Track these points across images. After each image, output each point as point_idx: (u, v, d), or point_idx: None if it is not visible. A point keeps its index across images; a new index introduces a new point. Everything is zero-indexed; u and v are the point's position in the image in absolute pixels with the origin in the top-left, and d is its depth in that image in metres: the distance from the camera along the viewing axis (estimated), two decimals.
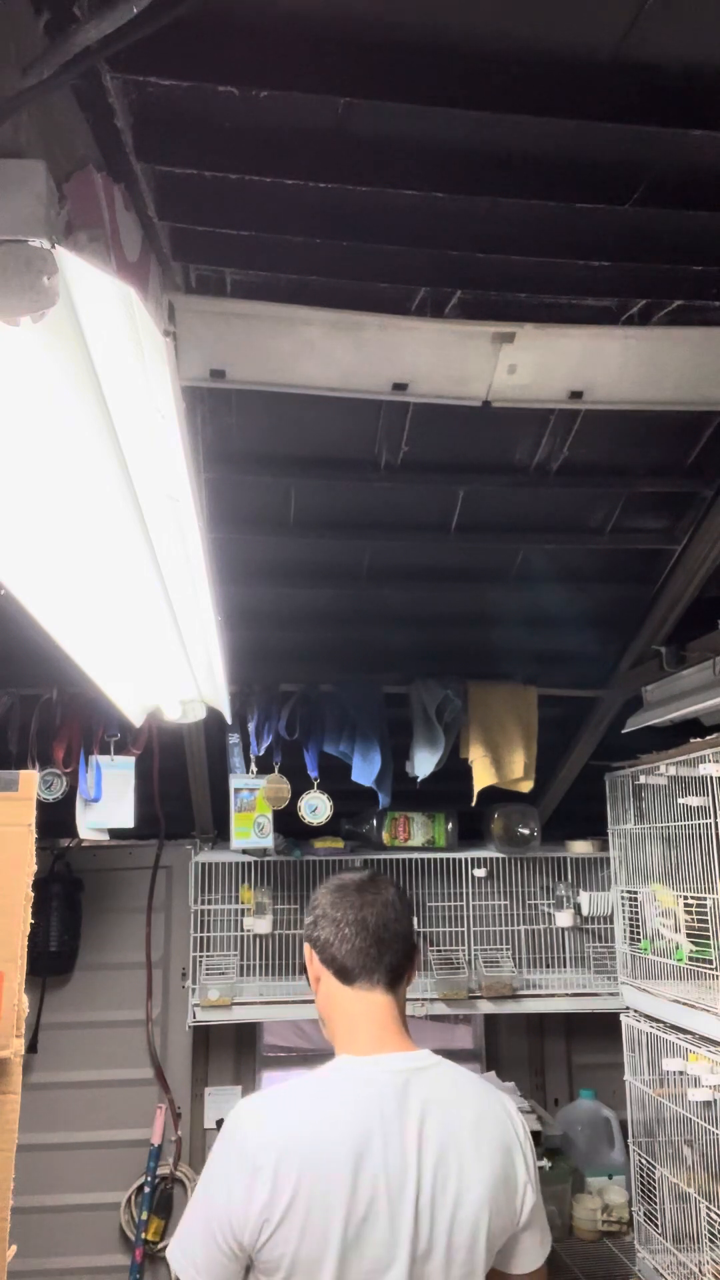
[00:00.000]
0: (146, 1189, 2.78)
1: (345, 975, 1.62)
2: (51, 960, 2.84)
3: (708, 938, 2.11)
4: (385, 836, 2.80)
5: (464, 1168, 1.46)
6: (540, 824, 2.83)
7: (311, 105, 1.02)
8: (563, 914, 2.81)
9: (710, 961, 2.11)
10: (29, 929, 1.49)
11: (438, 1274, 1.43)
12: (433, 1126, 1.47)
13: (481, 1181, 1.46)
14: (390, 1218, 1.42)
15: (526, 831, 2.81)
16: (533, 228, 1.19)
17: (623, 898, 2.62)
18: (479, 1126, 1.50)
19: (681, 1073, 2.08)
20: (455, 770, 2.51)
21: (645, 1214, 2.34)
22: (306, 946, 1.66)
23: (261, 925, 2.71)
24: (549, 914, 2.85)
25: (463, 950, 2.83)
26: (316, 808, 2.53)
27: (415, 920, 2.60)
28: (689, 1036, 2.11)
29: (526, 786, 2.53)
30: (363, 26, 0.95)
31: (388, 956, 1.63)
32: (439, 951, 2.82)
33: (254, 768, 2.51)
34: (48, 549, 1.26)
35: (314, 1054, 3.35)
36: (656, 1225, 2.28)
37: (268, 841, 2.54)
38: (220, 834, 2.86)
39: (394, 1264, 1.41)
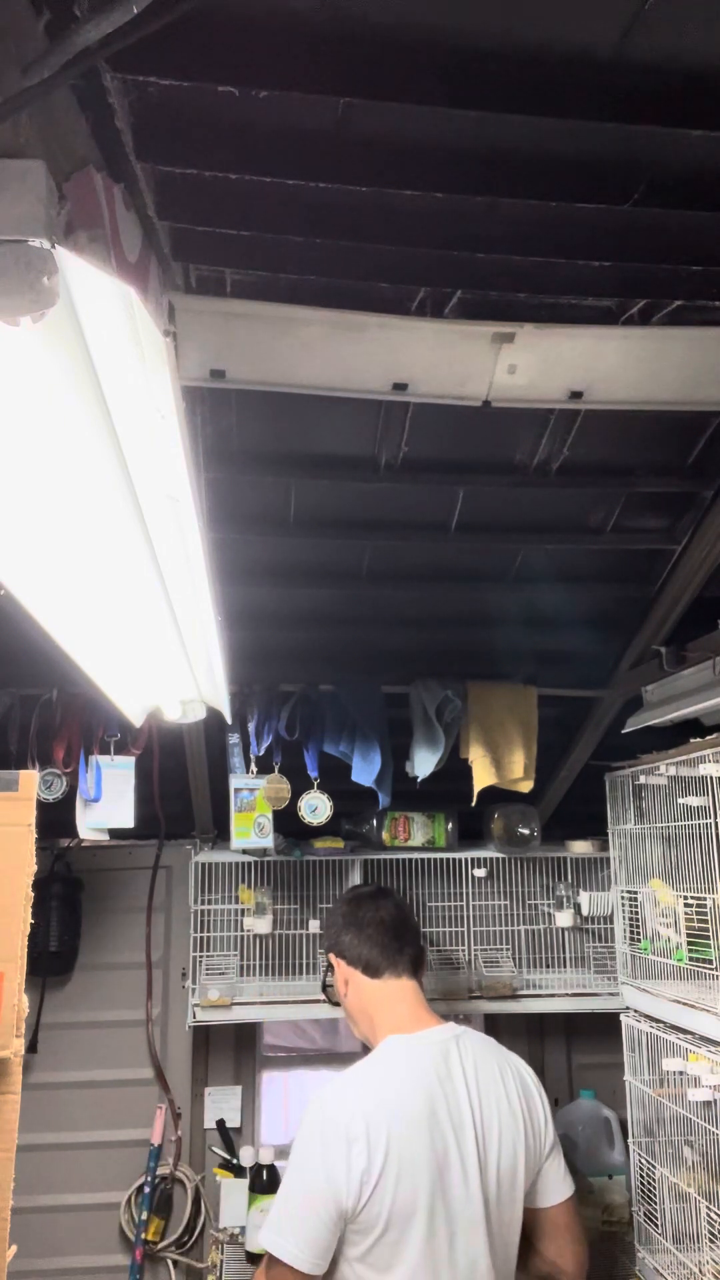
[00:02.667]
0: (146, 1189, 2.78)
1: (373, 969, 1.91)
2: (51, 960, 2.83)
3: (708, 938, 2.11)
4: (385, 836, 2.80)
5: (501, 1112, 1.77)
6: (540, 824, 2.83)
7: (311, 105, 1.02)
8: (563, 914, 2.80)
9: (710, 961, 2.11)
10: (29, 929, 1.49)
11: (494, 1203, 1.70)
12: (474, 1081, 1.76)
13: (515, 1120, 1.77)
14: (461, 1161, 1.68)
15: (526, 831, 2.81)
16: (533, 228, 1.19)
17: (623, 898, 2.62)
18: (506, 1078, 1.82)
19: (681, 1073, 2.07)
20: (455, 770, 2.51)
21: (645, 1214, 2.33)
22: (331, 957, 1.90)
23: (261, 925, 2.71)
24: (549, 914, 2.84)
25: (463, 950, 2.83)
26: (316, 808, 2.53)
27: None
28: (689, 1036, 2.11)
29: (526, 786, 2.53)
30: (363, 26, 0.95)
31: (407, 948, 1.94)
32: (439, 951, 2.82)
33: (254, 768, 2.51)
34: (48, 549, 1.26)
35: (314, 1054, 3.35)
36: (656, 1225, 2.28)
37: (268, 841, 2.54)
38: (220, 834, 2.86)
39: (471, 1200, 1.67)
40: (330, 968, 2.06)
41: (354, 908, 2.01)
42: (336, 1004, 2.19)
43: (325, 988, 2.28)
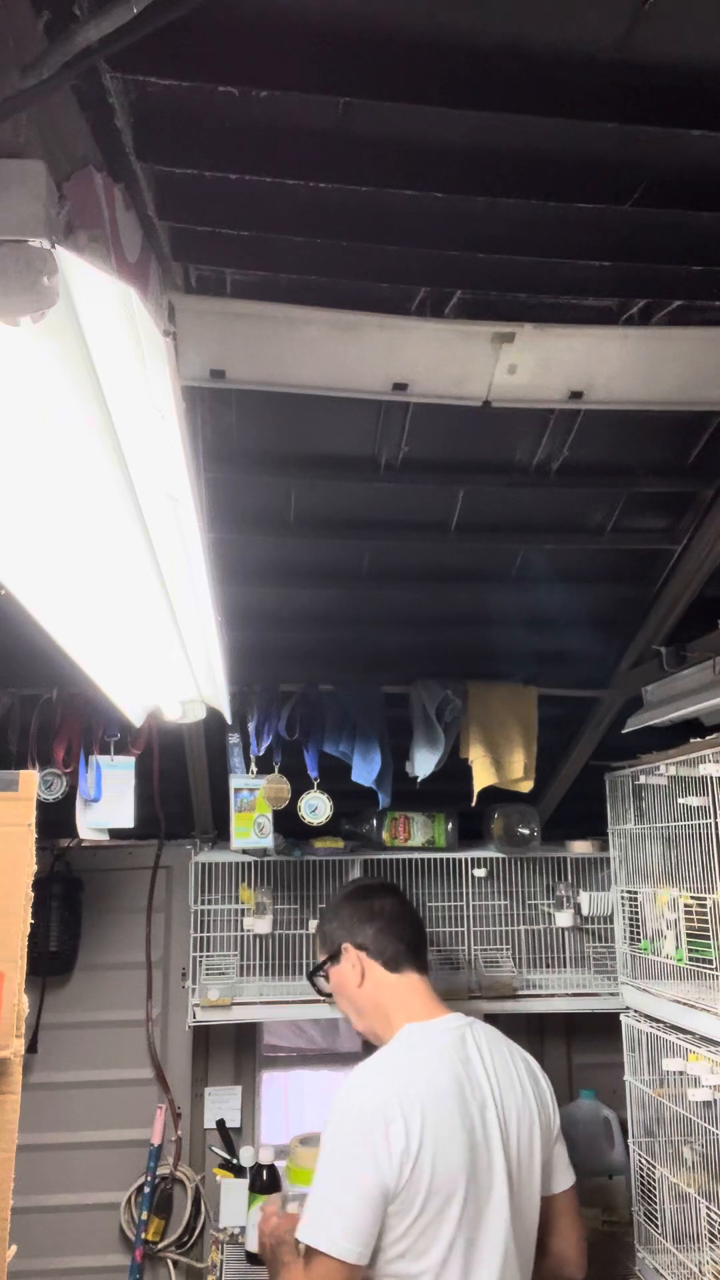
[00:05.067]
0: (146, 1189, 2.78)
1: (394, 964, 1.94)
2: (51, 960, 2.84)
3: (708, 938, 2.11)
4: (385, 836, 2.80)
5: (516, 1094, 1.81)
6: (540, 824, 2.83)
7: (311, 105, 1.02)
8: (563, 914, 2.80)
9: (710, 961, 2.11)
10: (29, 929, 1.49)
11: (516, 1183, 1.73)
12: (490, 1064, 1.81)
13: (529, 1102, 1.82)
14: (487, 1141, 1.72)
15: (526, 831, 2.81)
16: (533, 228, 1.19)
17: (623, 898, 2.62)
18: (516, 1062, 1.87)
19: (681, 1073, 2.08)
20: (455, 770, 2.51)
21: (645, 1214, 2.33)
22: (345, 948, 1.90)
23: (261, 925, 2.71)
24: (549, 914, 2.85)
25: (463, 950, 2.83)
26: (316, 808, 2.53)
27: None
28: (689, 1036, 2.11)
29: (526, 786, 2.53)
30: (362, 26, 0.95)
31: (421, 943, 1.98)
32: (439, 951, 2.82)
33: (254, 768, 2.51)
34: (48, 549, 1.26)
35: (314, 1054, 3.35)
36: (656, 1225, 2.28)
37: (268, 841, 2.54)
38: (220, 834, 2.86)
39: (495, 1181, 1.70)
40: (332, 957, 2.04)
41: (366, 900, 2.02)
42: (327, 995, 2.16)
43: (314, 976, 2.15)
